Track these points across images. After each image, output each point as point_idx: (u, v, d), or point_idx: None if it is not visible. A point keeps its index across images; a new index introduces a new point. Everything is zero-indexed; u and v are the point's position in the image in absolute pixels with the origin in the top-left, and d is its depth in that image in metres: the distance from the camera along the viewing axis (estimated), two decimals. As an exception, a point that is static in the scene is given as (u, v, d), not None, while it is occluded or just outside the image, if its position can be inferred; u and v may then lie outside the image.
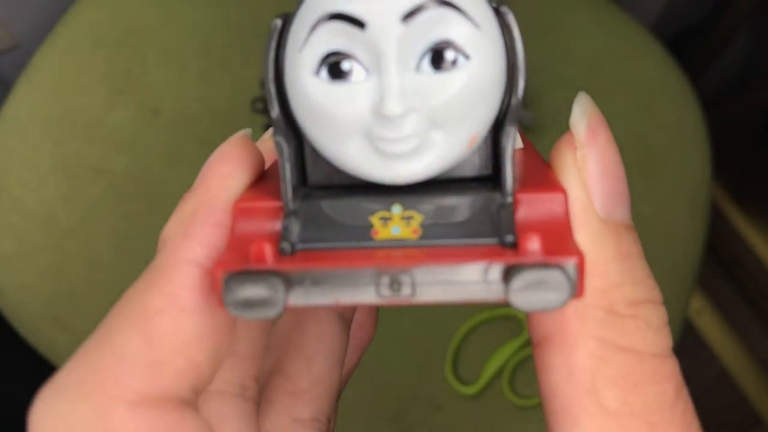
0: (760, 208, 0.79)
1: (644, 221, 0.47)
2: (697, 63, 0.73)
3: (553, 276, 0.12)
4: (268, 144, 0.18)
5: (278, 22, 0.14)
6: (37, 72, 0.49)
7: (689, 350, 0.79)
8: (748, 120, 0.82)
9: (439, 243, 0.14)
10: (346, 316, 0.20)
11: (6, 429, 0.56)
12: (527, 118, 0.47)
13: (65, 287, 0.46)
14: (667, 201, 0.49)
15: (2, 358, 0.56)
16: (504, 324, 0.46)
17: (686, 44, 0.72)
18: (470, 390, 0.45)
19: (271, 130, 0.18)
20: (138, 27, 0.50)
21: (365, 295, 0.13)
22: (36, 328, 0.47)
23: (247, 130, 0.17)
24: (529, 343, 0.45)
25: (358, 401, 0.44)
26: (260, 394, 0.18)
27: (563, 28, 0.52)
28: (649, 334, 0.14)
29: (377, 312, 0.22)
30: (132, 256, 0.47)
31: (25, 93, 0.49)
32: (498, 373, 0.45)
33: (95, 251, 0.47)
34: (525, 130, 0.48)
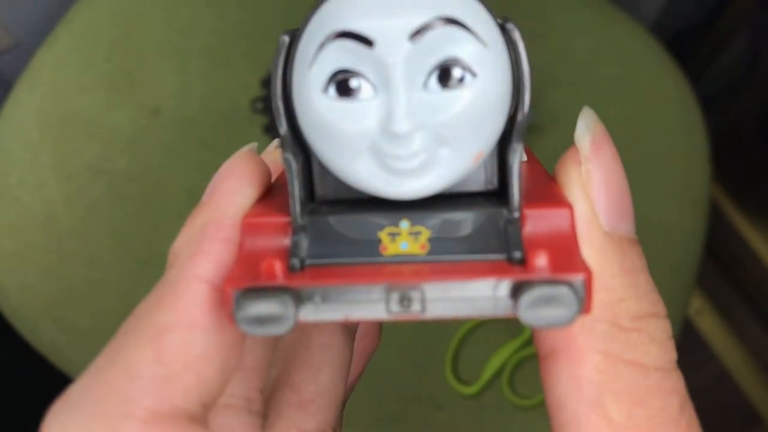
0: (761, 207, 0.78)
1: (643, 221, 0.47)
2: (698, 62, 0.73)
3: (562, 292, 0.13)
4: (274, 156, 0.18)
5: (286, 39, 0.14)
6: (37, 71, 0.49)
7: (689, 350, 0.79)
8: (749, 120, 0.82)
9: (447, 258, 0.14)
10: (350, 326, 0.20)
11: (5, 428, 0.56)
12: (529, 116, 0.47)
13: (65, 287, 0.46)
14: (667, 201, 0.49)
15: (2, 358, 0.56)
16: (504, 324, 0.46)
17: (687, 44, 0.72)
18: (470, 390, 0.45)
19: (275, 143, 0.18)
20: (138, 26, 0.50)
21: (375, 311, 0.13)
22: (36, 328, 0.47)
23: (253, 145, 0.17)
24: (528, 342, 0.45)
25: (358, 402, 0.44)
26: (266, 407, 0.18)
27: (562, 27, 0.52)
28: (653, 347, 0.14)
29: (381, 323, 0.22)
30: (131, 255, 0.47)
31: (25, 92, 0.49)
32: (498, 373, 0.45)
33: (95, 251, 0.47)
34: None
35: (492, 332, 0.46)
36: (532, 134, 0.47)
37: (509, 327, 0.46)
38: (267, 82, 0.49)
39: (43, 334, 0.47)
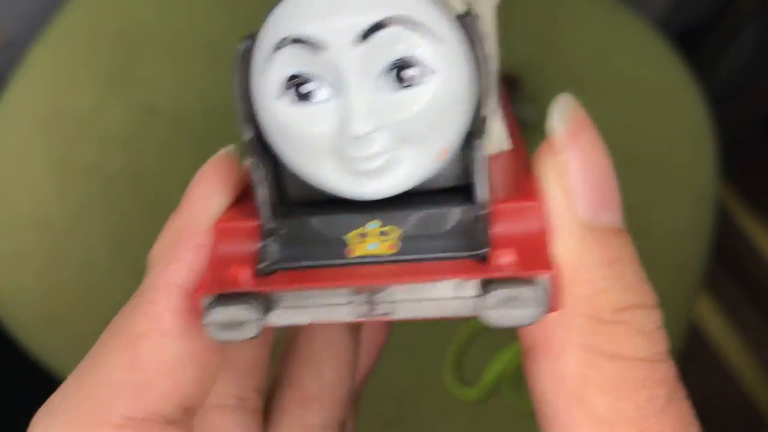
0: (770, 208, 0.78)
1: (648, 221, 0.46)
2: (706, 60, 0.73)
3: (525, 292, 0.13)
4: None
5: (242, 47, 0.14)
6: (31, 69, 0.49)
7: (696, 354, 0.78)
8: (758, 118, 0.81)
9: (415, 258, 0.14)
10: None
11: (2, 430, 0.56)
12: (532, 111, 0.46)
13: (59, 289, 0.46)
14: (672, 201, 0.48)
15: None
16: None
17: (695, 41, 0.72)
18: (471, 394, 0.44)
19: (229, 147, 0.18)
20: (134, 23, 0.50)
21: (342, 314, 0.13)
22: (30, 331, 0.47)
23: (230, 147, 0.17)
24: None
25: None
26: (267, 404, 0.18)
27: (565, 22, 0.51)
28: (638, 339, 0.14)
29: None
30: (126, 256, 0.46)
31: (18, 90, 0.48)
32: (500, 377, 0.45)
33: (89, 252, 0.46)
34: (527, 128, 0.47)
35: (493, 335, 0.45)
36: (532, 131, 0.46)
37: (511, 330, 0.46)
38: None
39: (37, 336, 0.46)
